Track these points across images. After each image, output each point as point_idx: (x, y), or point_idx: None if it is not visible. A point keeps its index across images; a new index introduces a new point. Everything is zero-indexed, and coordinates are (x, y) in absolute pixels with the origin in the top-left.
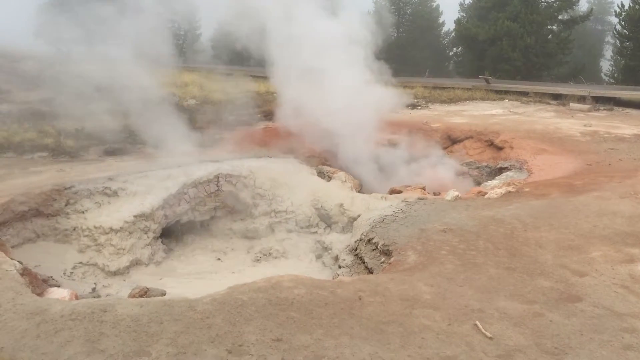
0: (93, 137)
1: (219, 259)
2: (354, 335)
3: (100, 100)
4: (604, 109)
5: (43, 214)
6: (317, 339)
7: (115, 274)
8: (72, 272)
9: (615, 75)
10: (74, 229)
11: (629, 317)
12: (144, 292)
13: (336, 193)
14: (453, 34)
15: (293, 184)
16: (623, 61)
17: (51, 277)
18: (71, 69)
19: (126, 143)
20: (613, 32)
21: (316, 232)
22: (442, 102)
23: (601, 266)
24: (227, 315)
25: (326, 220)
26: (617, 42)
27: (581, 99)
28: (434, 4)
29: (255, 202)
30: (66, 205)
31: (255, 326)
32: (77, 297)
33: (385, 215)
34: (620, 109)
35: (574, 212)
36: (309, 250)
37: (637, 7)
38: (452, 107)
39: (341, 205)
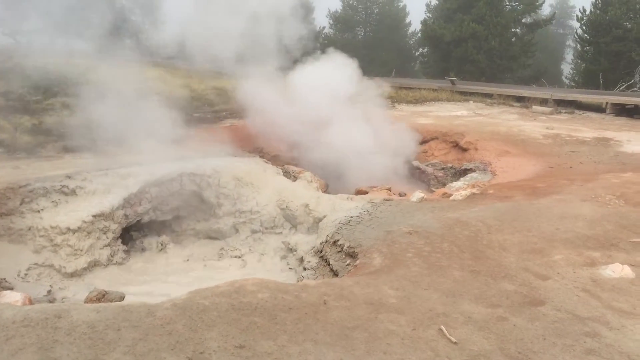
0: (51, 132)
1: (186, 260)
2: (319, 341)
3: (58, 95)
4: (565, 112)
5: None
6: (281, 345)
7: (72, 275)
8: (26, 274)
9: (576, 78)
10: (29, 229)
11: (590, 321)
12: (102, 296)
13: (302, 193)
14: (419, 35)
15: (258, 183)
16: (584, 65)
17: (4, 279)
18: (29, 62)
19: (85, 139)
20: (574, 36)
21: (281, 232)
22: (408, 102)
23: (563, 269)
24: (188, 321)
25: (291, 220)
26: (578, 46)
27: (543, 102)
28: (401, 4)
29: (220, 201)
30: (21, 204)
31: (218, 332)
32: (30, 301)
33: (351, 217)
34: (581, 112)
35: (536, 215)
36: (273, 252)
37: (598, 12)
38: (418, 108)
39: (307, 205)
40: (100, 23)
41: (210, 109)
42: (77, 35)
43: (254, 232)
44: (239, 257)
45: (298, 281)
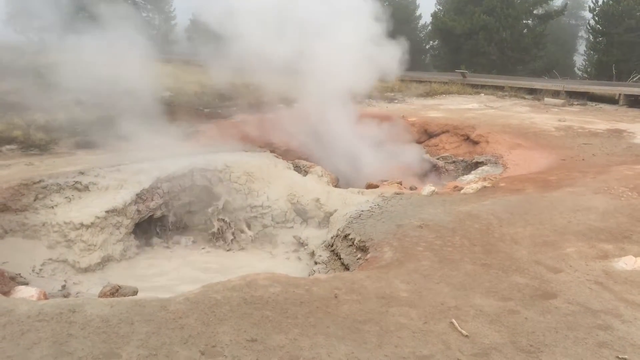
0: (64, 129)
1: (198, 254)
2: (330, 334)
3: (71, 92)
4: (577, 104)
5: (11, 209)
6: (292, 338)
7: (86, 270)
8: (41, 269)
9: (589, 70)
10: (43, 225)
11: (602, 313)
12: (115, 290)
13: (312, 187)
14: (430, 27)
15: (269, 178)
16: (596, 56)
17: (19, 274)
18: (42, 59)
19: (98, 136)
20: (587, 27)
21: (292, 227)
22: (419, 95)
23: (575, 262)
24: (201, 315)
25: (302, 215)
26: (591, 37)
27: (555, 94)
28: None
29: (231, 196)
30: (35, 200)
31: (230, 326)
32: (45, 296)
33: (362, 211)
34: (594, 103)
35: (548, 207)
36: (284, 246)
37: (610, 2)
38: (429, 101)
39: (317, 200)
40: (111, 19)
41: (221, 104)
42: (88, 32)
43: (265, 226)
44: (250, 252)
45: (309, 275)
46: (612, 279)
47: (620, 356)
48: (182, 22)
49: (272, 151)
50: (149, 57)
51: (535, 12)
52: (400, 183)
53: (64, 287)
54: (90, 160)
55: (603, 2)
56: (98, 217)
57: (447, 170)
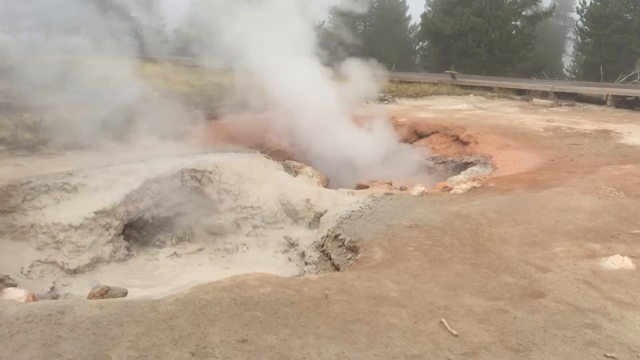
0: (52, 130)
1: (187, 255)
2: (321, 334)
3: (59, 92)
4: (566, 105)
5: None
6: (283, 339)
7: (75, 272)
8: (29, 271)
9: (577, 71)
10: (32, 226)
11: (590, 312)
12: (105, 292)
13: (303, 188)
14: (419, 28)
15: (259, 179)
16: (584, 57)
17: (7, 276)
18: (29, 59)
19: (87, 137)
20: (574, 29)
21: (283, 227)
22: (409, 96)
23: (564, 262)
24: (191, 316)
25: (293, 215)
26: (579, 38)
27: (544, 95)
28: None
29: (221, 197)
30: (23, 201)
31: (220, 327)
32: (34, 298)
33: (352, 211)
34: (582, 104)
35: (537, 207)
36: (275, 247)
37: (598, 4)
38: (419, 102)
39: (308, 200)
40: (100, 20)
41: (210, 104)
42: (77, 32)
43: (255, 227)
44: (241, 253)
45: (300, 276)
46: (600, 278)
47: (608, 354)
48: (171, 23)
49: (262, 152)
50: (137, 58)
51: (523, 13)
52: (390, 183)
53: (52, 288)
54: (79, 161)
55: (591, 3)
56: (87, 218)
57: (436, 170)
